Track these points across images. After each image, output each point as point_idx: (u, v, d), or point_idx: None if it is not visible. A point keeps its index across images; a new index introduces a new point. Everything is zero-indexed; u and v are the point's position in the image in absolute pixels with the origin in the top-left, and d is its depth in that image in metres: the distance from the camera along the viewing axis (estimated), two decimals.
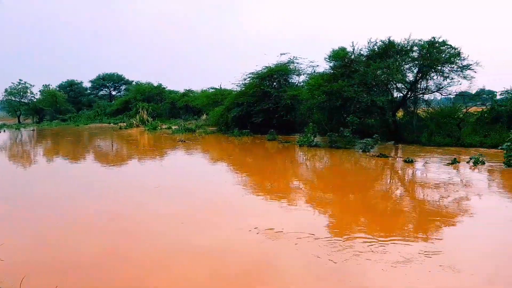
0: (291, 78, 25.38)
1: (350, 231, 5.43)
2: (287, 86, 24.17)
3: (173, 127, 28.18)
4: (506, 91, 18.06)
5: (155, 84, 46.89)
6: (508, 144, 10.45)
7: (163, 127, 30.29)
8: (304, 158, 14.03)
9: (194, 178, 9.99)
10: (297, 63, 24.79)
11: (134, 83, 57.00)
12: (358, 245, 4.82)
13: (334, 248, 4.72)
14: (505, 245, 4.88)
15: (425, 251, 4.59)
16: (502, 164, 10.48)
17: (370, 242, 4.93)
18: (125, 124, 33.63)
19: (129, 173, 11.25)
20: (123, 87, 62.47)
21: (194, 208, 6.76)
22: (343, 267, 4.22)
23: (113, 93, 63.30)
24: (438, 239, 5.13)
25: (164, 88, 46.78)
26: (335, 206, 7.01)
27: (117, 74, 62.58)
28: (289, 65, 24.77)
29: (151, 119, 34.97)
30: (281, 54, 25.41)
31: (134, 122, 33.43)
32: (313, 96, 18.42)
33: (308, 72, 24.41)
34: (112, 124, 38.04)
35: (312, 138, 16.62)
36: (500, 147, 11.16)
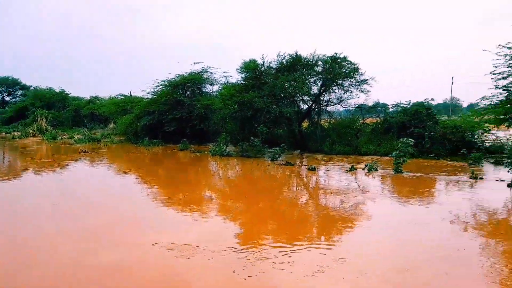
0: (204, 88, 25.52)
1: (264, 241, 5.50)
2: (200, 95, 24.18)
3: (76, 137, 26.16)
4: (396, 104, 20.30)
5: (57, 89, 43.05)
6: (397, 152, 11.74)
7: (65, 136, 27.99)
8: (217, 167, 14.09)
9: (99, 193, 9.37)
10: (211, 72, 25.07)
11: (32, 88, 51.68)
12: (274, 255, 4.84)
13: (250, 260, 4.68)
14: (402, 247, 5.34)
15: (335, 257, 4.78)
16: (392, 170, 11.70)
17: (285, 250, 5.00)
18: (19, 133, 30.29)
19: (23, 188, 10.13)
20: (19, 93, 56.45)
21: (100, 226, 6.30)
22: (261, 280, 4.19)
23: (7, 98, 56.89)
24: (344, 244, 5.47)
25: (68, 94, 43.10)
26: (247, 216, 7.11)
27: (12, 77, 56.46)
28: (202, 74, 24.88)
29: (51, 127, 32.05)
30: (194, 63, 25.56)
31: (31, 131, 30.26)
32: (226, 106, 18.71)
33: (221, 82, 24.81)
34: (4, 133, 33.98)
35: (224, 147, 16.79)
36: (390, 155, 12.45)
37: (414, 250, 5.17)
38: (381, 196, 8.78)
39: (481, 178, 10.45)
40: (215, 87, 25.24)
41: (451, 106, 39.75)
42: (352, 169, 12.02)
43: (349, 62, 18.79)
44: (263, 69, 19.38)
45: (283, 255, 4.83)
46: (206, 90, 25.46)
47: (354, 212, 7.26)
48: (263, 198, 8.71)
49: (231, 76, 24.08)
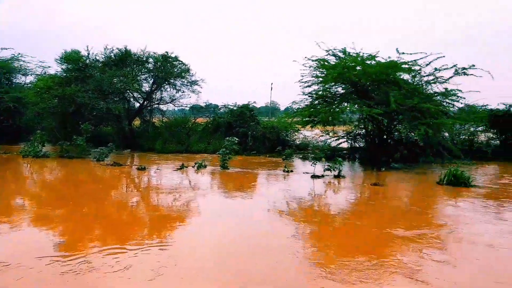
0: (15, 78, 22.03)
1: (95, 248, 5.01)
2: (10, 87, 20.74)
3: None
4: (224, 105, 21.61)
5: None
6: (223, 150, 12.64)
7: None
8: (30, 170, 12.33)
9: None
10: (24, 61, 21.83)
11: None
12: (107, 263, 4.46)
13: (79, 272, 4.18)
14: (233, 239, 5.63)
15: (172, 257, 4.70)
16: (219, 167, 12.49)
17: (119, 256, 4.69)
18: None
19: None
20: None
21: None
22: None
23: None
24: (179, 242, 5.46)
25: None
26: (71, 223, 6.44)
27: None
28: (12, 63, 21.45)
29: None
30: (1, 49, 21.43)
31: None
32: (43, 99, 16.61)
33: (37, 72, 21.92)
34: None
35: (40, 147, 14.75)
36: (218, 152, 13.29)
37: (245, 241, 5.53)
38: (210, 192, 9.31)
39: (292, 171, 12.21)
40: (30, 78, 22.07)
41: (271, 109, 44.70)
42: (182, 167, 12.33)
43: (180, 62, 19.20)
44: (88, 61, 17.99)
45: (118, 262, 4.50)
46: (18, 81, 22.04)
47: (187, 209, 7.51)
48: (88, 203, 8.04)
49: (49, 67, 21.43)
